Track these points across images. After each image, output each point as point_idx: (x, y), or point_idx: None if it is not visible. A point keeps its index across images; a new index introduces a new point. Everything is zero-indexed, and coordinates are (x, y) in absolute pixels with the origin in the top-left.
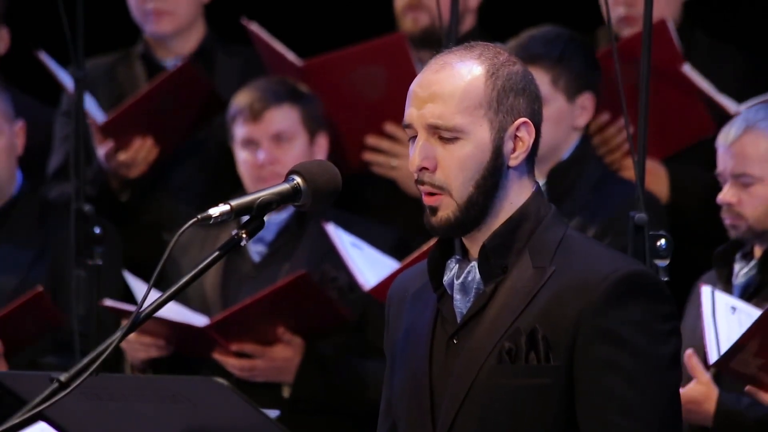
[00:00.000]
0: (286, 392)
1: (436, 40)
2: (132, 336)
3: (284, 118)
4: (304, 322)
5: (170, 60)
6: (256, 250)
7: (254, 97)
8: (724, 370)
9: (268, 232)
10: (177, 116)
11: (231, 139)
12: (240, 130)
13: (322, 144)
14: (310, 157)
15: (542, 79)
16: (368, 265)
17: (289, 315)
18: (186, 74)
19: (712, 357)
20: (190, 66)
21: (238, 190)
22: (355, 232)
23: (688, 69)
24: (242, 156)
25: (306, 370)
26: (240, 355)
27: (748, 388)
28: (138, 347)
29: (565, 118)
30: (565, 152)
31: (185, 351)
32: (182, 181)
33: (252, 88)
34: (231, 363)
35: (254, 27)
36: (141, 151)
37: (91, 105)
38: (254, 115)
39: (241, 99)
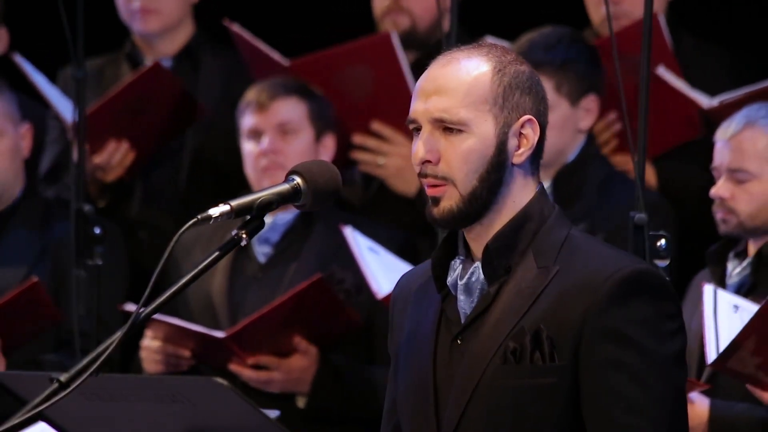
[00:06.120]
0: (300, 403)
1: (417, 42)
2: (156, 344)
3: (290, 109)
4: (318, 329)
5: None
6: (261, 251)
7: (262, 89)
8: (722, 370)
9: (274, 233)
10: (152, 121)
11: (239, 134)
12: (246, 121)
13: (329, 145)
14: (314, 155)
15: (545, 86)
16: (383, 270)
17: (304, 321)
18: (156, 75)
19: (711, 357)
20: (160, 66)
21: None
22: (362, 233)
23: (662, 71)
24: (247, 147)
25: (322, 380)
26: (256, 366)
27: (748, 386)
28: (158, 358)
29: (569, 122)
30: (571, 155)
31: (203, 362)
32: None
33: (262, 83)
34: (247, 375)
35: (236, 28)
36: (116, 155)
37: (64, 107)
38: (261, 105)
39: (250, 93)
